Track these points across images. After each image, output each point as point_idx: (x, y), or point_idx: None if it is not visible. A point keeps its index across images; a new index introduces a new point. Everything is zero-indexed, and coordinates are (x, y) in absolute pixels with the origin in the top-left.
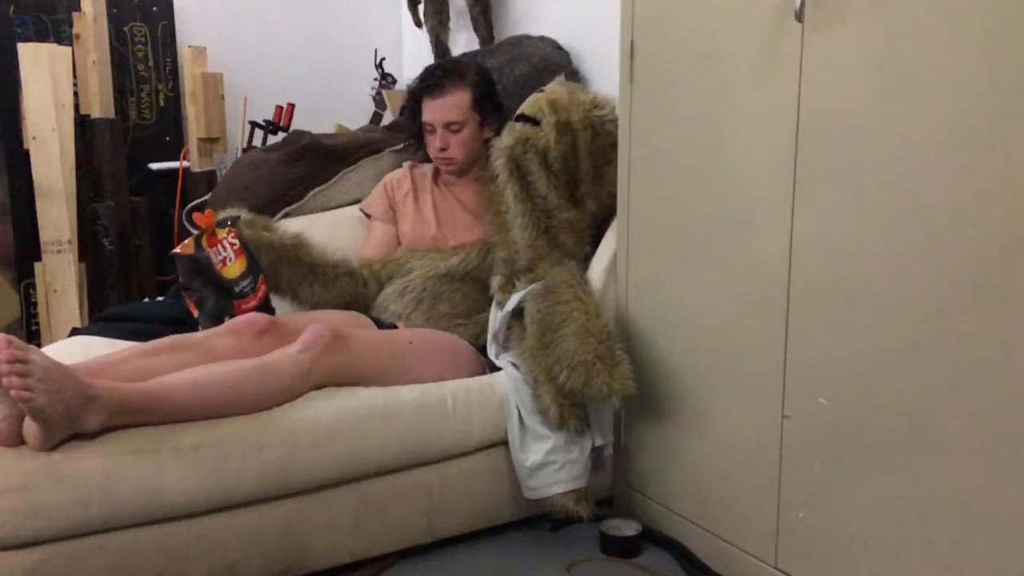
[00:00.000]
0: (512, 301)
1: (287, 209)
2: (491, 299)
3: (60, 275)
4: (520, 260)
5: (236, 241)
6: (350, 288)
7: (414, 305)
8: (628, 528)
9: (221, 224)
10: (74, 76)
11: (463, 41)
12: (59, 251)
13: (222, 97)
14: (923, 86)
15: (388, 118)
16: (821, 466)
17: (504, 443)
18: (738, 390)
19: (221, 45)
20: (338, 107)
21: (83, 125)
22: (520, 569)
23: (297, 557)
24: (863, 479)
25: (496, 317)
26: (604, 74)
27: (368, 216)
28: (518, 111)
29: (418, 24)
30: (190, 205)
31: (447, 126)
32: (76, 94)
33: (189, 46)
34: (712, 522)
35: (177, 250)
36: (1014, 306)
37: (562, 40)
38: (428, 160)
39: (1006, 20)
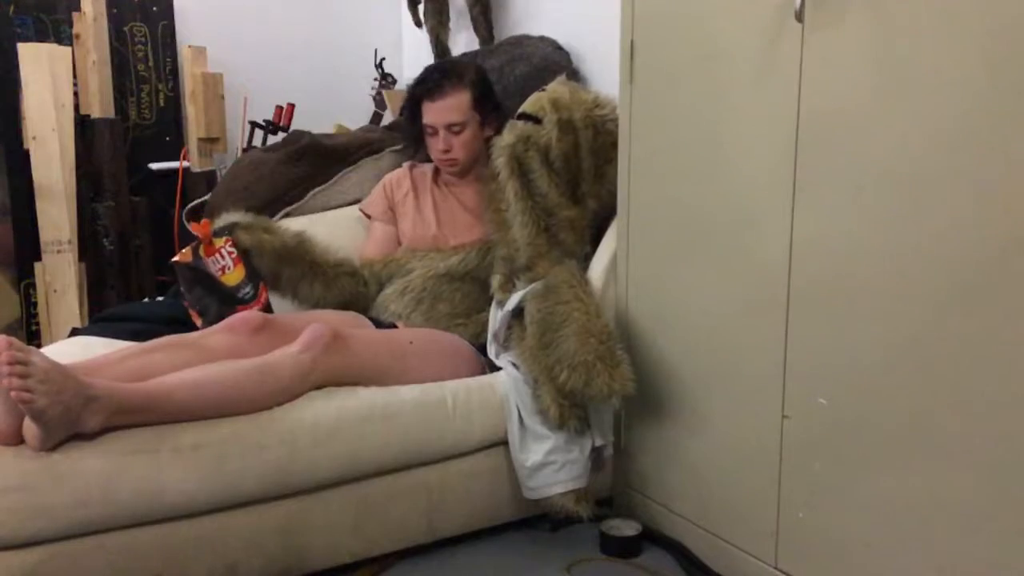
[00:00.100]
0: (512, 301)
1: (287, 209)
2: (491, 299)
3: (60, 275)
4: (520, 258)
5: (234, 250)
6: (351, 288)
7: (414, 305)
8: (628, 528)
9: (218, 233)
10: (74, 76)
11: (463, 41)
12: (59, 251)
13: (222, 97)
14: (923, 86)
15: (388, 118)
16: (821, 466)
17: (504, 443)
18: (738, 390)
19: (221, 45)
20: (338, 107)
21: (83, 125)
22: (520, 569)
23: (297, 557)
24: (863, 479)
25: (496, 316)
26: (604, 74)
27: (368, 216)
28: (520, 110)
29: (418, 24)
30: (190, 205)
31: (449, 127)
32: (76, 94)
33: (189, 46)
34: (712, 522)
35: (176, 259)
36: (1014, 306)
37: (562, 40)
38: (428, 160)
39: (1006, 20)
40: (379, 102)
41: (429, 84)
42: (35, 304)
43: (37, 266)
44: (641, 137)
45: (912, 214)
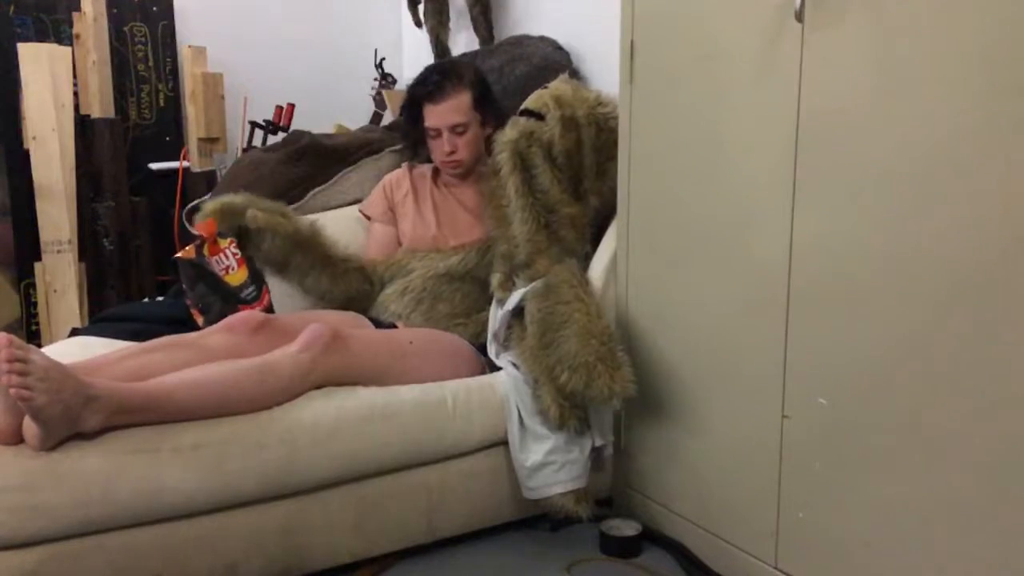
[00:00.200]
0: (512, 300)
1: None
2: (491, 298)
3: (60, 275)
4: (519, 254)
5: (238, 251)
6: (357, 284)
7: (414, 305)
8: (628, 528)
9: (223, 234)
10: (74, 76)
11: (463, 41)
12: (59, 251)
13: (222, 97)
14: (923, 86)
15: (388, 118)
16: (821, 466)
17: (504, 443)
18: (738, 390)
19: (221, 45)
20: (338, 107)
21: (83, 125)
22: (520, 569)
23: (297, 557)
24: (863, 479)
25: (496, 315)
26: (604, 74)
27: (367, 218)
28: (522, 106)
29: (418, 24)
30: (190, 205)
31: (453, 128)
32: (76, 94)
33: (189, 46)
34: (712, 522)
35: (179, 255)
36: (1014, 306)
37: (562, 40)
38: (427, 161)
39: (1006, 20)
40: (379, 102)
41: (430, 86)
42: (35, 304)
43: (37, 266)
44: (641, 137)
45: (912, 214)
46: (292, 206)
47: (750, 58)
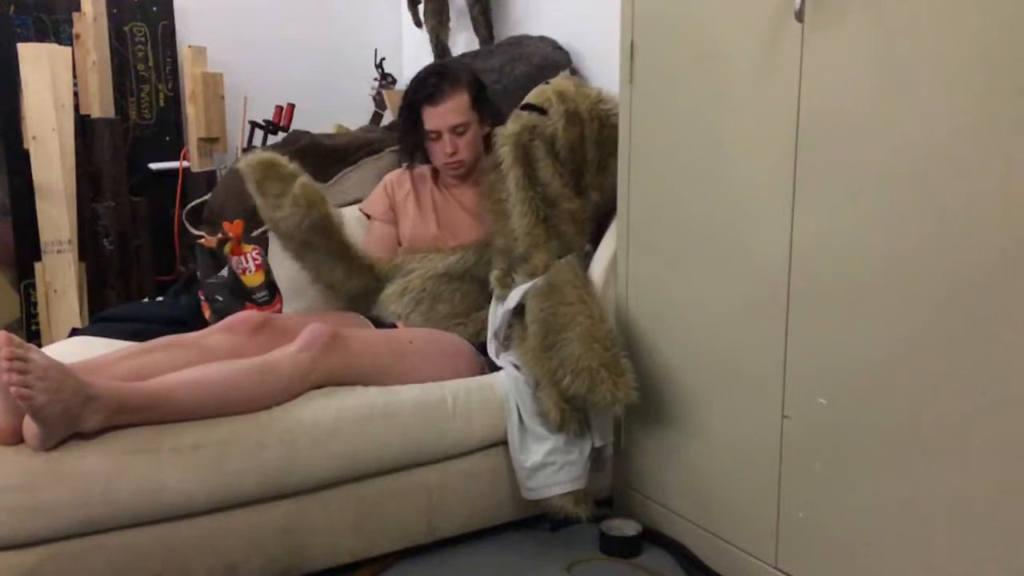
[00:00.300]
0: (513, 298)
1: None
2: (490, 296)
3: (60, 275)
4: (517, 248)
5: (259, 258)
6: (368, 280)
7: (413, 305)
8: (628, 528)
9: (249, 241)
10: (74, 76)
11: (463, 41)
12: (59, 251)
13: (222, 97)
14: (923, 86)
15: (388, 118)
16: (821, 466)
17: (504, 443)
18: (738, 390)
19: (221, 45)
20: (338, 107)
21: (83, 125)
22: (520, 569)
23: (297, 557)
24: (863, 479)
25: (496, 313)
26: (604, 74)
27: (368, 216)
28: (524, 101)
29: (418, 24)
30: (190, 205)
31: (453, 129)
32: (76, 94)
33: (189, 46)
34: (712, 522)
35: (201, 241)
36: (1014, 306)
37: (562, 40)
38: (426, 162)
39: (1006, 20)
40: (379, 102)
41: (428, 89)
42: (35, 304)
43: (37, 266)
44: (641, 137)
45: (912, 214)
46: None
47: (750, 58)
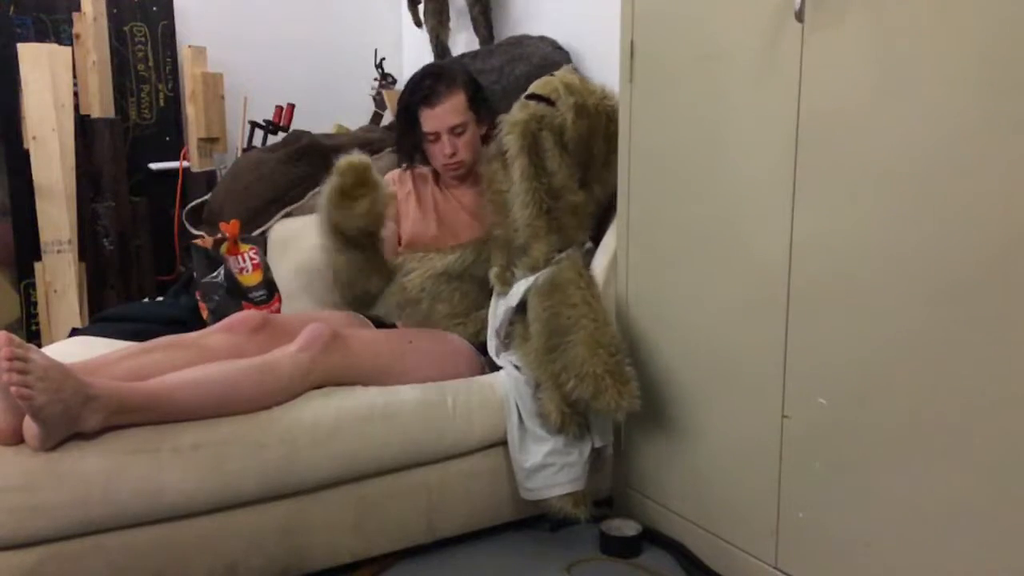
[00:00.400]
0: (515, 295)
1: (287, 209)
2: (490, 294)
3: (60, 275)
4: (517, 239)
5: (257, 257)
6: (386, 284)
7: (413, 305)
8: (628, 528)
9: (246, 240)
10: (74, 76)
11: (463, 41)
12: (59, 251)
13: (222, 97)
14: (923, 86)
15: (388, 118)
16: (821, 466)
17: (504, 443)
18: (738, 390)
19: (221, 45)
20: (338, 107)
21: (83, 125)
22: (520, 569)
23: (297, 557)
24: (863, 479)
25: (496, 310)
26: (604, 74)
27: None
28: (529, 90)
29: (418, 24)
30: (190, 205)
31: (452, 130)
32: (76, 94)
33: (189, 46)
34: (712, 522)
35: (197, 241)
36: (1014, 306)
37: (562, 40)
38: (425, 164)
39: (1006, 20)
40: (379, 102)
41: (424, 91)
42: (35, 304)
43: (37, 266)
44: (641, 137)
45: (912, 214)
46: (292, 206)
47: (750, 58)
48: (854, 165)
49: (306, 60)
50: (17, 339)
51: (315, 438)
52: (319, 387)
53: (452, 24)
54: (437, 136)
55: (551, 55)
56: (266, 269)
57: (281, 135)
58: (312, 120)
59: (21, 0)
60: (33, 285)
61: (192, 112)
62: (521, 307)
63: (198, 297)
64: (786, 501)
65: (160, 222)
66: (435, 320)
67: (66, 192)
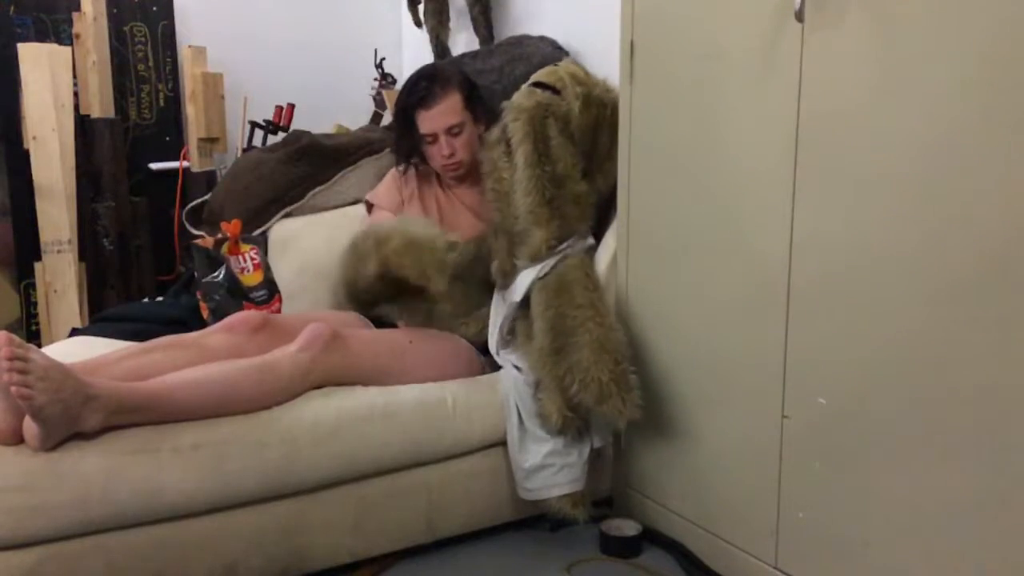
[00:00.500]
0: (519, 289)
1: (287, 209)
2: (492, 293)
3: (60, 275)
4: (517, 225)
5: (257, 257)
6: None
7: (415, 304)
8: (628, 528)
9: (247, 240)
10: (74, 76)
11: (463, 41)
12: (59, 251)
13: (222, 97)
14: (923, 86)
15: (388, 118)
16: (821, 466)
17: (504, 443)
18: (738, 390)
19: (221, 45)
20: (338, 107)
21: (83, 125)
22: (520, 569)
23: (297, 557)
24: (863, 479)
25: (499, 304)
26: (604, 74)
27: (372, 205)
28: (533, 78)
29: (418, 24)
30: (190, 205)
31: (449, 130)
32: (76, 94)
33: (189, 46)
34: (712, 522)
35: (197, 241)
36: (1014, 306)
37: (562, 40)
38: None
39: (1006, 20)
40: (379, 102)
41: (420, 92)
42: (35, 304)
43: (37, 266)
44: (641, 137)
45: (912, 214)
46: (292, 206)
47: (750, 58)
48: (854, 165)
49: (306, 60)
50: (17, 339)
51: (315, 438)
52: (319, 387)
53: (452, 24)
54: (435, 137)
55: (551, 55)
56: (267, 269)
57: (281, 135)
58: (312, 120)
59: (21, 0)
60: (33, 285)
61: (192, 112)
62: (525, 302)
63: (199, 297)
64: (786, 501)
65: (160, 222)
66: (437, 320)
67: (66, 192)
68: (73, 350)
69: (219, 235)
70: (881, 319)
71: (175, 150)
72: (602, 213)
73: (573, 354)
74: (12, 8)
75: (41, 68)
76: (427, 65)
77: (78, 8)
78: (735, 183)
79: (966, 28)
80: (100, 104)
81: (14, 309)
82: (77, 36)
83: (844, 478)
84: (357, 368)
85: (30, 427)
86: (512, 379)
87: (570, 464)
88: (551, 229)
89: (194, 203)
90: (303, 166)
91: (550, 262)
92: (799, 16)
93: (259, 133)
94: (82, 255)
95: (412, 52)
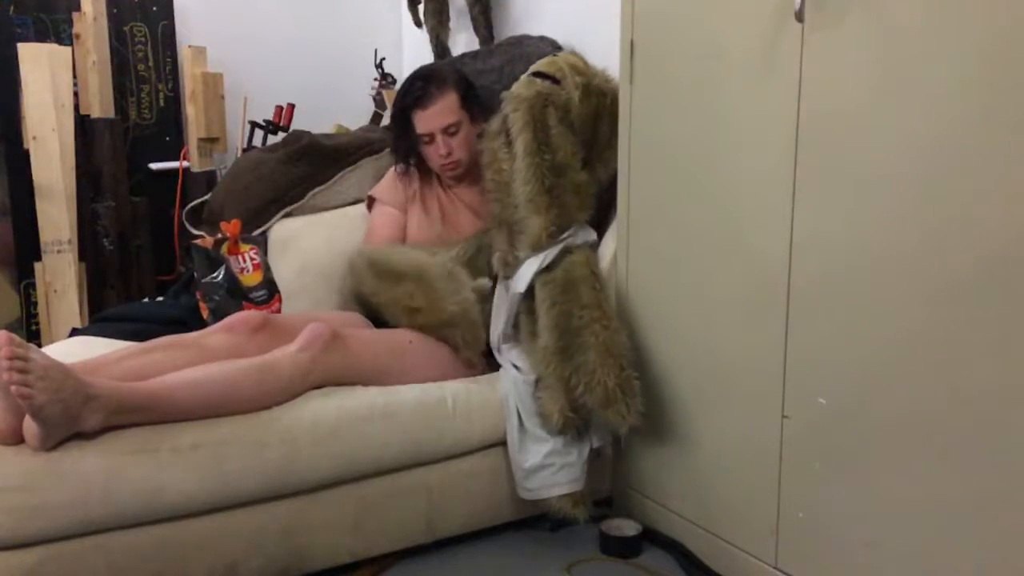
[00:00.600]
0: (523, 279)
1: (287, 209)
2: (494, 289)
3: (60, 275)
4: (517, 214)
5: (257, 258)
6: None
7: None
8: (628, 528)
9: (247, 240)
10: (74, 76)
11: (463, 41)
12: (59, 251)
13: (222, 97)
14: (923, 86)
15: (388, 118)
16: (821, 466)
17: (504, 443)
18: (738, 390)
19: (221, 45)
20: (338, 107)
21: (83, 125)
22: (520, 569)
23: (297, 557)
24: (863, 479)
25: (500, 300)
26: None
27: (375, 201)
28: (533, 68)
29: (418, 24)
30: (190, 205)
31: (446, 130)
32: (76, 94)
33: (189, 46)
34: (712, 522)
35: (197, 241)
36: (1014, 305)
37: (562, 40)
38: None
39: (1006, 20)
40: (379, 102)
41: (416, 93)
42: (35, 304)
43: (37, 266)
44: (641, 137)
45: (912, 214)
46: (292, 206)
47: (750, 58)
48: (854, 165)
49: (306, 60)
50: (17, 339)
51: (315, 438)
52: (319, 387)
53: (452, 24)
54: (432, 137)
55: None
56: (267, 269)
57: (281, 135)
58: (312, 120)
59: (21, 0)
60: (33, 285)
61: (192, 112)
62: (529, 293)
63: (198, 297)
64: (786, 501)
65: (160, 222)
66: None
67: (66, 192)
68: (73, 350)
69: (219, 235)
70: (881, 319)
71: (175, 150)
72: (602, 205)
73: (579, 355)
74: (12, 8)
75: (41, 68)
76: (423, 66)
77: (78, 8)
78: (735, 183)
79: (966, 28)
80: (100, 104)
81: (14, 309)
82: (77, 36)
83: (844, 478)
84: (357, 368)
85: (30, 427)
86: (512, 379)
87: (570, 464)
88: (550, 217)
89: (194, 203)
90: (303, 166)
91: (552, 251)
92: (799, 16)
93: (259, 133)
94: (82, 255)
95: (412, 52)
